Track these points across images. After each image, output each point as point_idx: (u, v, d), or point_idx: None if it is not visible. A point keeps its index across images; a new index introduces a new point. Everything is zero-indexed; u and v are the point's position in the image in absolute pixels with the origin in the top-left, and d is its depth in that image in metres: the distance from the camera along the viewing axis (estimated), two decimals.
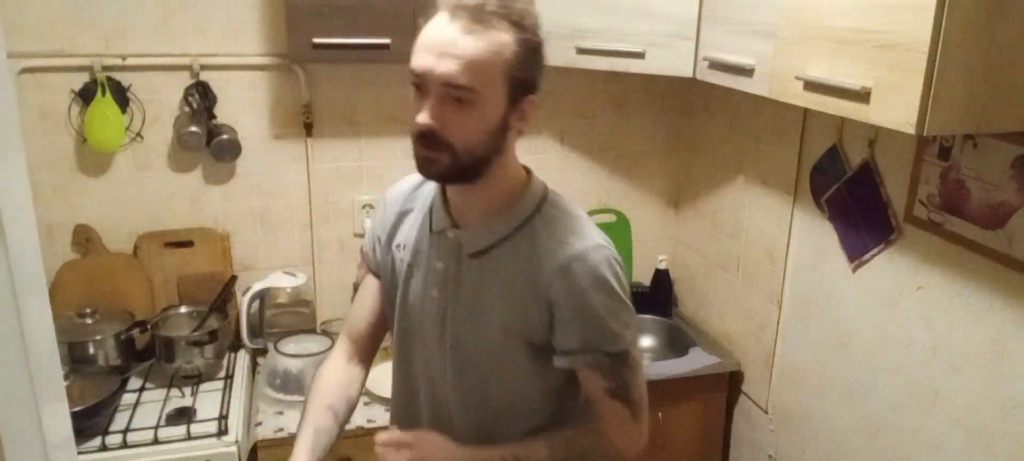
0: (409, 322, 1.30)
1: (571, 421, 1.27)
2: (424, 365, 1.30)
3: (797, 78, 1.53)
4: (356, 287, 1.87)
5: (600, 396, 1.21)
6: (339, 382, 1.38)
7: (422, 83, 1.07)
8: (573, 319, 1.15)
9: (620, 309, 1.17)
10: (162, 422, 1.87)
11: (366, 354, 1.42)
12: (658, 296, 2.62)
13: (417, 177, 1.29)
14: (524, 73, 1.08)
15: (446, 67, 1.04)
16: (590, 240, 1.16)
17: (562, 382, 1.25)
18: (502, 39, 1.06)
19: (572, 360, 1.18)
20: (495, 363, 1.22)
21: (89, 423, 1.81)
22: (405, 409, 1.37)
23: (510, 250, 1.18)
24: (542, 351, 1.20)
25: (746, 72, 1.72)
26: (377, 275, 1.38)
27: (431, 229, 1.25)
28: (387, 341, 1.42)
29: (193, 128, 2.15)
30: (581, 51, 2.05)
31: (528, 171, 1.23)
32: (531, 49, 1.09)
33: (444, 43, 1.04)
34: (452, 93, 1.05)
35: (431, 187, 1.28)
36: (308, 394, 1.37)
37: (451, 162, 1.09)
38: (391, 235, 1.33)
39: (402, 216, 1.32)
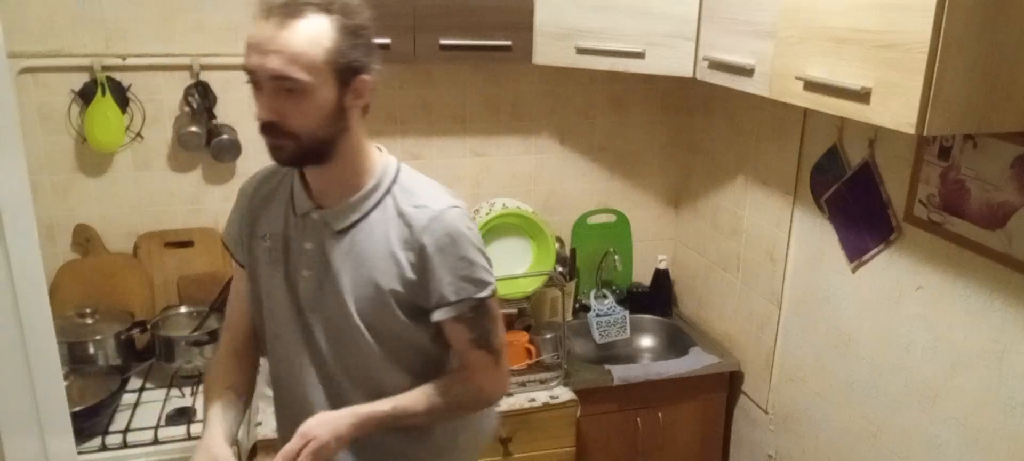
0: (281, 309, 1.33)
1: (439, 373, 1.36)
2: (305, 347, 1.32)
3: (797, 78, 1.53)
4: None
5: (465, 347, 1.31)
6: (229, 368, 1.41)
7: (255, 80, 1.15)
8: (445, 270, 1.24)
9: (481, 258, 1.28)
10: (162, 422, 1.87)
11: (250, 341, 1.45)
12: (658, 296, 2.62)
13: (269, 167, 1.36)
14: (347, 56, 1.15)
15: (271, 63, 1.11)
16: (447, 201, 1.27)
17: (430, 338, 1.33)
18: (318, 27, 1.13)
19: (448, 311, 1.26)
20: (379, 326, 1.28)
21: (89, 423, 1.81)
22: (290, 395, 1.37)
23: (377, 221, 1.26)
24: (418, 309, 1.28)
25: (746, 72, 1.72)
26: (243, 266, 1.40)
27: (294, 213, 1.30)
28: None
29: (193, 128, 2.15)
30: (581, 51, 2.05)
31: (380, 148, 1.31)
32: (349, 31, 1.15)
33: (264, 39, 1.12)
34: (282, 85, 1.13)
35: (287, 174, 1.34)
36: (204, 392, 1.40)
37: (297, 148, 1.17)
38: (252, 227, 1.36)
39: (262, 206, 1.36)
